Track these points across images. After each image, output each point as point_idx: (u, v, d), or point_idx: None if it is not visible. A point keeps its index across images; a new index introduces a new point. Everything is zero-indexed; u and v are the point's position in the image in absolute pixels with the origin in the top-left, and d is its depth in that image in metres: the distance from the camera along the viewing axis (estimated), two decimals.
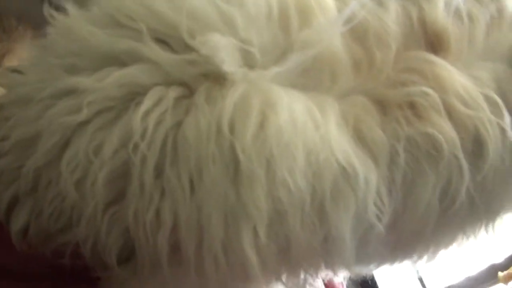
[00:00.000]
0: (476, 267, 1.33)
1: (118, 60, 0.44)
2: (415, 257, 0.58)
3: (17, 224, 0.49)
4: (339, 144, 0.44)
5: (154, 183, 0.43)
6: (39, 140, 0.45)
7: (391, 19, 0.46)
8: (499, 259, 1.28)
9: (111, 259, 0.47)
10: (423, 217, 0.48)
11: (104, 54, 0.44)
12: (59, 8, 0.48)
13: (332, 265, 0.51)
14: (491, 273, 1.28)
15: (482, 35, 0.48)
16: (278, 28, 0.44)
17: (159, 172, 0.43)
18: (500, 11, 0.49)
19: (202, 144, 0.42)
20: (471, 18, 0.48)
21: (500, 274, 1.23)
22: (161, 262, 0.46)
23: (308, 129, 0.42)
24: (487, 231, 0.55)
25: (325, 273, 0.56)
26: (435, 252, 0.57)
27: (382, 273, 1.16)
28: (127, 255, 0.48)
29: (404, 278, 1.31)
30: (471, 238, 0.56)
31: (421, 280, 1.34)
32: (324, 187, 0.43)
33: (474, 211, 0.50)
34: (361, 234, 0.47)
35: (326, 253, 0.47)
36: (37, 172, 0.46)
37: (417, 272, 1.34)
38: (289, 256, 0.46)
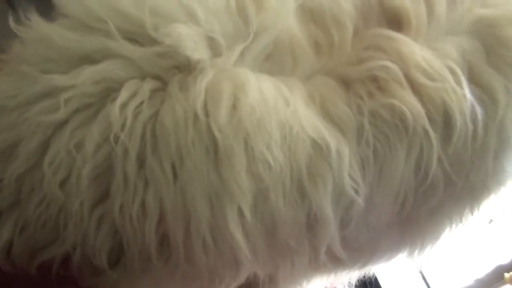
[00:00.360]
0: (482, 268, 1.32)
1: (91, 59, 0.45)
2: (404, 249, 0.59)
3: (0, 241, 0.49)
4: (309, 119, 0.46)
5: (137, 174, 0.44)
6: (19, 145, 0.45)
7: (346, 0, 0.49)
8: (506, 260, 1.30)
9: (102, 262, 0.47)
10: (400, 192, 0.50)
11: (77, 55, 0.46)
12: (20, 20, 0.50)
13: (318, 247, 0.52)
14: (498, 274, 1.28)
15: (444, 10, 0.51)
16: (237, 16, 0.47)
17: (141, 162, 0.44)
18: None
19: (180, 130, 0.43)
20: None
21: (507, 275, 1.23)
22: (150, 258, 0.47)
23: (279, 106, 0.44)
24: (472, 213, 0.56)
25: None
26: (424, 244, 0.58)
27: (387, 277, 1.15)
28: (117, 256, 0.48)
29: (409, 282, 1.29)
30: (460, 225, 0.57)
31: (427, 283, 1.33)
32: (300, 162, 0.45)
33: (455, 192, 0.51)
34: (343, 211, 0.49)
35: (311, 232, 0.49)
36: (19, 180, 0.46)
37: (423, 276, 1.33)
38: (276, 237, 0.47)
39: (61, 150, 0.44)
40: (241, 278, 0.51)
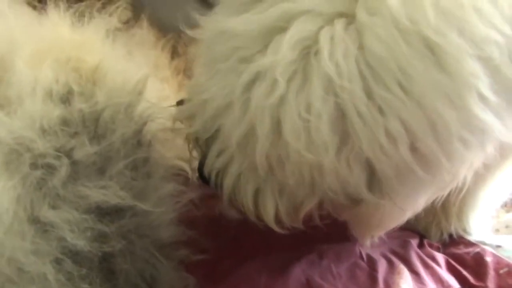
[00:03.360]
0: None
1: (277, 28, 0.47)
2: None
3: (268, 211, 0.55)
4: None
5: (370, 107, 0.45)
6: (254, 132, 0.49)
7: None
8: None
9: (364, 194, 0.51)
10: None
11: (263, 32, 0.47)
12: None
13: None
14: None
15: None
16: None
17: (369, 95, 0.45)
18: None
19: (392, 49, 0.44)
20: None
21: None
22: (405, 174, 0.49)
23: None
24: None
25: None
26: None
27: None
28: (373, 184, 0.51)
29: None
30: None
31: None
32: None
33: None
34: None
35: None
36: (267, 159, 0.50)
37: None
38: None
39: (294, 118, 0.47)
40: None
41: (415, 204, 0.56)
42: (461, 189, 0.77)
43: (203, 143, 0.56)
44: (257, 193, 0.55)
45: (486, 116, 0.45)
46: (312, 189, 0.52)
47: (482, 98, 0.45)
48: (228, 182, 0.55)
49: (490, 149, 0.52)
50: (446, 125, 0.45)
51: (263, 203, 0.55)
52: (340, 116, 0.46)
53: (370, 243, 0.67)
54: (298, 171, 0.50)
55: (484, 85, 0.44)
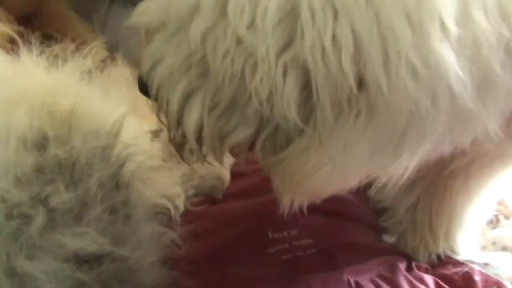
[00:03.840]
0: None
1: None
2: None
3: (191, 120, 0.53)
4: None
5: (324, 5, 0.44)
6: (199, 7, 0.49)
7: None
8: None
9: (292, 114, 0.49)
10: None
11: None
12: None
13: None
14: None
15: None
16: None
17: None
18: None
19: None
20: None
21: None
22: (341, 113, 0.47)
23: None
24: None
25: None
26: None
27: None
28: (307, 114, 0.49)
29: None
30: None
31: None
32: None
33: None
34: None
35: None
36: (203, 40, 0.49)
37: None
38: (481, 58, 0.45)
39: None
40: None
41: (347, 165, 0.51)
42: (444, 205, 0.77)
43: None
44: (185, 98, 0.53)
45: (444, 50, 0.44)
46: (240, 119, 0.51)
47: (443, 27, 0.43)
48: (158, 80, 0.54)
49: (458, 133, 0.50)
50: (398, 45, 0.43)
51: (189, 109, 0.53)
52: (292, 10, 0.46)
53: (289, 210, 0.58)
54: (231, 60, 0.48)
55: (449, 15, 0.43)
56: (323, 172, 0.51)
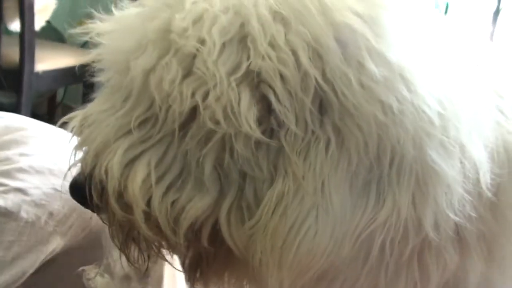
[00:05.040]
0: None
1: None
2: None
3: (137, 180, 0.49)
4: None
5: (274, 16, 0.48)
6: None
7: None
8: None
9: (252, 129, 0.47)
10: None
11: None
12: None
13: None
14: None
15: None
16: None
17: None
18: None
19: None
20: None
21: None
22: (309, 126, 0.47)
23: None
24: None
25: None
26: None
27: None
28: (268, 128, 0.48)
29: None
30: None
31: None
32: None
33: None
34: None
35: None
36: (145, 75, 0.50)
37: None
38: None
39: None
40: None
41: (332, 211, 0.46)
42: None
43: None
44: (126, 165, 0.49)
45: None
46: (194, 160, 0.49)
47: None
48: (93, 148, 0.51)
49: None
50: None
51: (132, 178, 0.49)
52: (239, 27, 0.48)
53: None
54: (178, 91, 0.48)
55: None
56: (308, 226, 0.47)
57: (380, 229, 0.48)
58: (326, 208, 0.46)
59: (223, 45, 0.46)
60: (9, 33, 2.21)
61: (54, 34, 2.69)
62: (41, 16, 2.19)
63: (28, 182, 0.84)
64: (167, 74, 0.47)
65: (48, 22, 2.36)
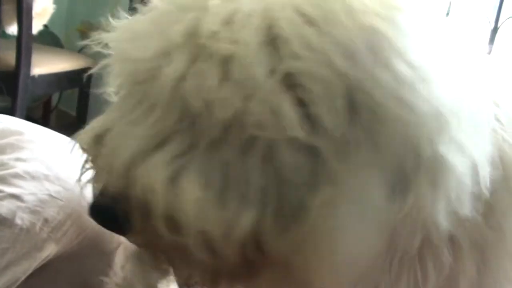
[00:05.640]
0: None
1: None
2: None
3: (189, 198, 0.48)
4: None
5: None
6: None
7: None
8: None
9: (296, 131, 0.46)
10: None
11: None
12: None
13: None
14: None
15: None
16: None
17: None
18: None
19: None
20: None
21: None
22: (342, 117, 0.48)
23: None
24: None
25: None
26: None
27: None
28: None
29: None
30: None
31: None
32: None
33: None
34: None
35: None
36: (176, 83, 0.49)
37: None
38: None
39: None
40: None
41: (370, 212, 0.47)
42: None
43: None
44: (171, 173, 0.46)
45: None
46: (236, 172, 0.47)
47: None
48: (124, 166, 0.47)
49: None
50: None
51: (181, 186, 0.45)
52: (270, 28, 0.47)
53: None
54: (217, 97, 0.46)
55: None
56: (353, 229, 0.47)
57: (402, 228, 0.49)
58: (366, 211, 0.47)
59: (258, 46, 0.45)
60: (7, 36, 2.21)
61: (51, 39, 2.70)
62: (39, 20, 2.18)
63: (23, 188, 0.83)
64: (204, 80, 0.45)
65: (45, 26, 2.36)
